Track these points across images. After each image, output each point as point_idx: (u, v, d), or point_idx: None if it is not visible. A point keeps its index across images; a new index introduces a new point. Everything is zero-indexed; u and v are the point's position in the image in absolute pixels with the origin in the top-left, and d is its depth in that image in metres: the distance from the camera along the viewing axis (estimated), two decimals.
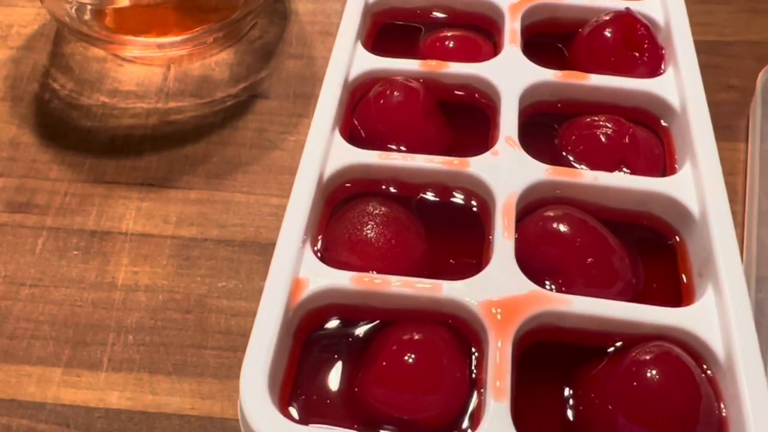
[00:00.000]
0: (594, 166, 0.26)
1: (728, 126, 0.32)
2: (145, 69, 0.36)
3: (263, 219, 0.29)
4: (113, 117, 0.34)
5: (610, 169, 0.26)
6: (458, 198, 0.26)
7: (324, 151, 0.26)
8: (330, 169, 0.26)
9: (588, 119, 0.27)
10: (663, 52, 0.30)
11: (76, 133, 0.33)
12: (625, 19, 0.30)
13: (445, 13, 0.33)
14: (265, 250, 0.28)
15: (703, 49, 0.35)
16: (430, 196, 0.26)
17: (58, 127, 0.33)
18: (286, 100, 0.34)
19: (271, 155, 0.32)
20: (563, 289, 0.23)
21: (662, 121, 0.28)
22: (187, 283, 0.28)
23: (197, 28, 0.35)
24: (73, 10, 0.34)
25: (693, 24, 0.32)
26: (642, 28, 0.30)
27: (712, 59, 0.35)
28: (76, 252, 0.29)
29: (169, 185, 0.31)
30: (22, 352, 0.26)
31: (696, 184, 0.25)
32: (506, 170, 0.25)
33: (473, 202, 0.26)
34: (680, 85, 0.28)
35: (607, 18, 0.30)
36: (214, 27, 0.35)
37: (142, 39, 0.35)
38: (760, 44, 0.36)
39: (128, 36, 0.34)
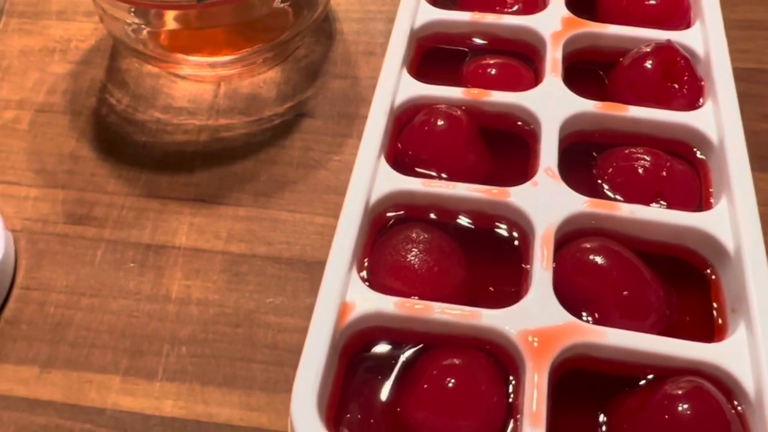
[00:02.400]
0: (631, 197, 0.27)
1: (767, 156, 0.33)
2: (197, 86, 0.37)
3: (308, 237, 0.31)
4: (166, 133, 0.35)
5: (647, 202, 0.27)
6: (498, 226, 0.27)
7: (370, 177, 0.27)
8: (376, 195, 0.27)
9: (626, 151, 0.28)
10: (702, 84, 0.31)
11: (132, 148, 0.35)
12: (666, 51, 0.31)
13: (488, 40, 0.34)
14: (311, 268, 0.30)
15: (742, 77, 0.35)
16: (470, 223, 0.27)
17: (114, 142, 0.35)
18: (331, 120, 0.35)
19: (316, 175, 0.33)
20: (598, 319, 0.24)
21: (699, 154, 0.29)
22: (236, 298, 0.29)
23: (247, 49, 0.36)
24: (130, 30, 0.36)
25: (732, 51, 0.32)
26: (682, 61, 0.31)
27: (752, 87, 0.36)
28: (132, 264, 0.30)
29: (219, 201, 0.32)
30: (83, 360, 0.28)
31: (731, 220, 0.26)
32: (546, 201, 0.26)
33: (513, 232, 0.27)
34: (718, 119, 0.29)
35: (648, 49, 0.31)
36: (264, 47, 0.36)
37: (194, 58, 0.36)
38: None
39: (181, 55, 0.36)
